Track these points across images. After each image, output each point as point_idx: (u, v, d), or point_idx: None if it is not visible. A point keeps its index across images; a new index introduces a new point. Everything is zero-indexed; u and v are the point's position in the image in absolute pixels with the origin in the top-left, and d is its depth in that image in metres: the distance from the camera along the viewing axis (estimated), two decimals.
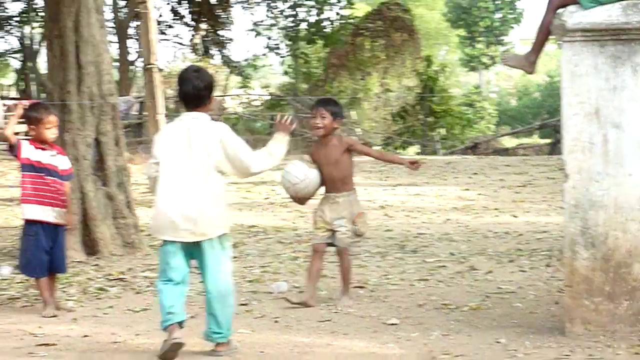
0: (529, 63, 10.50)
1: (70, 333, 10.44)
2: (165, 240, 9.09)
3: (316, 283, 12.07)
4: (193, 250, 9.12)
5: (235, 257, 15.12)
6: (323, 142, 12.05)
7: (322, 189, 11.96)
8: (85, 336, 10.28)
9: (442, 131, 46.89)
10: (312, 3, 47.87)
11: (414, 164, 12.08)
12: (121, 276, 13.82)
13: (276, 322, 10.91)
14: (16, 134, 11.76)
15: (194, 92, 9.18)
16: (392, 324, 10.61)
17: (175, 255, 9.08)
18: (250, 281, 13.42)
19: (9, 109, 36.66)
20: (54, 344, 9.90)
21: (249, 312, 11.44)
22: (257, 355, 9.31)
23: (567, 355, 9.00)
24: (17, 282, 13.31)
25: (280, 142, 9.48)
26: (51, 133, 11.65)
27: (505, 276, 13.33)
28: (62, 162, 11.81)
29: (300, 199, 11.82)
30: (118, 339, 10.04)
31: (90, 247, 15.29)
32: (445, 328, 10.33)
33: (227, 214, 9.46)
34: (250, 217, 20.14)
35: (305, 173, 11.45)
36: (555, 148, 37.60)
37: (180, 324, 9.02)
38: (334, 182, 11.88)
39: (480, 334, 10.05)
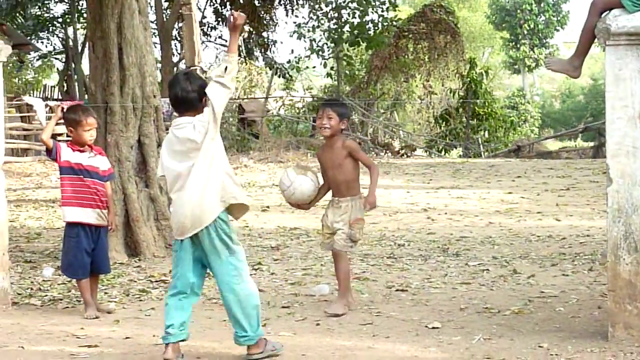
0: (573, 67, 10.45)
1: (112, 335, 10.48)
2: (178, 244, 9.13)
3: (349, 288, 11.91)
4: (201, 254, 9.07)
5: (277, 260, 15.30)
6: (329, 143, 11.86)
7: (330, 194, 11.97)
8: (127, 338, 10.31)
9: (485, 134, 46.75)
10: (355, 5, 47.76)
11: (367, 202, 11.67)
12: (163, 278, 13.84)
13: (318, 324, 10.91)
14: (59, 134, 11.80)
15: (183, 96, 9.08)
16: (434, 328, 10.59)
17: (183, 259, 9.09)
18: (292, 284, 13.41)
19: (51, 109, 36.79)
20: (95, 346, 9.95)
21: (290, 315, 11.44)
22: (298, 358, 9.32)
23: (610, 359, 8.98)
24: (60, 284, 13.36)
25: (228, 62, 9.23)
26: (90, 135, 11.65)
27: (548, 280, 13.29)
28: (102, 163, 11.83)
29: (295, 204, 11.88)
30: (159, 341, 10.07)
31: (133, 248, 15.34)
32: (488, 332, 10.31)
33: (230, 190, 9.15)
34: (292, 220, 20.14)
35: (292, 180, 11.43)
36: (598, 151, 37.47)
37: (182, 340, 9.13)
38: (338, 186, 11.77)
39: (523, 338, 10.03)
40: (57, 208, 15.80)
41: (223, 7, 47.99)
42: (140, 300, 12.49)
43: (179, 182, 9.04)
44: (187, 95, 9.05)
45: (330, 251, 11.96)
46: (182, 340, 9.05)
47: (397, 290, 12.86)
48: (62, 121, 12.24)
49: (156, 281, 13.67)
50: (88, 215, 11.64)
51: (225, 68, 9.06)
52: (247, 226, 19.33)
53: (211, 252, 9.01)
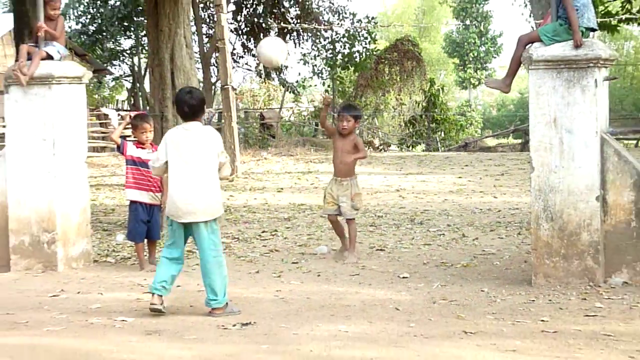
0: (505, 85, 10.57)
1: None
2: (171, 220, 8.81)
3: (344, 237, 12.31)
4: (190, 230, 8.80)
5: (288, 228, 15.26)
6: (345, 136, 12.19)
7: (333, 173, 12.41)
8: (178, 286, 10.28)
9: (442, 134, 46.84)
10: (346, 39, 47.72)
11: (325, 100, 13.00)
12: None
13: (319, 275, 10.90)
14: (128, 136, 11.81)
15: (189, 110, 8.85)
16: (404, 277, 10.60)
17: (176, 232, 8.80)
18: (300, 245, 13.38)
19: (122, 117, 36.82)
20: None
21: (299, 269, 11.42)
22: (305, 300, 9.31)
23: (533, 300, 8.99)
24: (128, 246, 13.32)
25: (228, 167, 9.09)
26: (145, 137, 11.69)
27: (488, 242, 13.29)
28: None
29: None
30: (202, 288, 10.05)
31: None
32: (444, 280, 10.32)
33: (217, 204, 8.87)
34: (300, 198, 20.10)
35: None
36: (525, 147, 37.37)
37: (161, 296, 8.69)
38: (342, 168, 12.15)
39: (469, 284, 10.03)
40: (124, 191, 15.76)
41: (248, 41, 47.84)
42: (187, 259, 12.37)
43: (184, 172, 8.75)
44: (193, 110, 8.84)
45: (327, 217, 12.48)
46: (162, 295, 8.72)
47: (377, 250, 12.84)
48: (129, 126, 12.28)
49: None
50: (143, 196, 11.67)
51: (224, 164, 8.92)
52: (266, 203, 19.30)
53: (202, 233, 8.75)
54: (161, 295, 8.66)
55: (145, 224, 11.70)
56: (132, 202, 11.78)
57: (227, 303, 8.76)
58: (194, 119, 8.87)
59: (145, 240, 11.90)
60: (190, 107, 8.83)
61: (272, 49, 11.36)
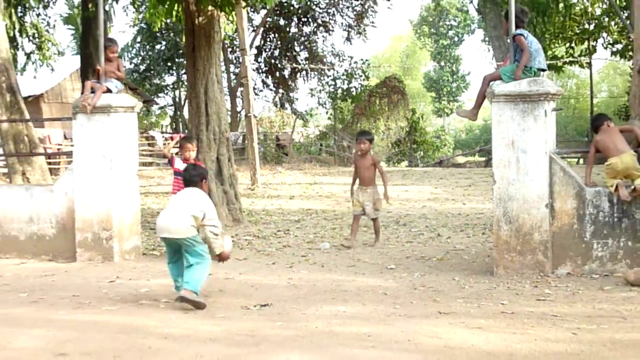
0: (473, 114, 10.62)
1: None
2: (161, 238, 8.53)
3: (355, 235, 12.98)
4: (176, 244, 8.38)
5: (298, 228, 15.21)
6: (362, 155, 13.08)
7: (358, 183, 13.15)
8: (210, 274, 10.24)
9: (421, 153, 46.87)
10: (345, 77, 47.82)
11: (386, 197, 13.06)
12: (232, 240, 13.80)
13: (323, 266, 10.87)
14: (176, 153, 11.82)
15: (190, 179, 8.73)
16: (391, 268, 10.57)
17: (166, 245, 8.54)
18: (307, 242, 13.36)
19: (171, 138, 36.86)
20: None
21: (307, 261, 11.39)
22: (311, 286, 9.28)
23: (494, 287, 8.97)
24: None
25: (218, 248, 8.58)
26: (188, 154, 11.64)
27: (458, 240, 13.25)
28: None
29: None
30: (229, 276, 10.04)
31: None
32: (423, 271, 10.29)
33: (189, 228, 8.24)
34: (307, 204, 20.08)
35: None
36: (488, 163, 37.36)
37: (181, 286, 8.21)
38: (365, 180, 13.00)
39: (443, 274, 10.01)
40: (169, 197, 15.68)
41: (266, 78, 47.90)
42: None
43: (170, 207, 8.57)
44: (192, 179, 8.74)
45: (354, 216, 13.15)
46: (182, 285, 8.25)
47: (369, 246, 12.83)
48: (177, 145, 12.29)
49: None
50: None
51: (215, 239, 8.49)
52: (281, 207, 19.27)
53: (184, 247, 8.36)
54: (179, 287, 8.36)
55: None
56: None
57: (196, 293, 8.11)
58: (194, 186, 8.74)
59: None
60: (191, 177, 8.78)
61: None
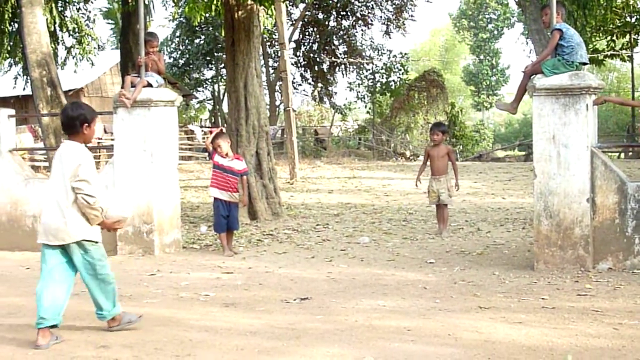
0: (513, 108, 10.57)
1: (241, 266, 10.52)
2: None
3: (441, 224, 13.54)
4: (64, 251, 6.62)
5: (337, 222, 15.22)
6: (436, 146, 13.57)
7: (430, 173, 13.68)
8: (250, 268, 10.35)
9: (461, 147, 46.68)
10: (383, 71, 47.81)
11: (457, 186, 13.56)
12: (271, 233, 13.87)
13: (362, 260, 10.89)
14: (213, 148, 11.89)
15: (66, 121, 6.60)
16: (431, 262, 10.57)
17: (48, 253, 6.58)
18: (347, 236, 13.37)
19: (205, 133, 37.05)
20: (231, 272, 9.99)
21: (346, 255, 11.41)
22: (351, 280, 9.30)
23: (535, 282, 8.92)
24: (210, 236, 13.41)
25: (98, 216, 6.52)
26: (219, 149, 11.77)
27: (498, 234, 13.20)
28: (237, 165, 11.86)
29: None
30: (269, 270, 10.09)
31: (253, 215, 15.35)
32: (463, 265, 10.28)
33: (77, 227, 6.50)
34: (346, 198, 20.09)
35: None
36: (528, 158, 37.13)
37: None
38: (439, 169, 13.46)
39: (483, 269, 9.99)
40: (207, 190, 15.77)
41: (305, 72, 47.99)
42: (257, 246, 12.51)
43: (49, 192, 6.71)
44: (70, 122, 6.60)
45: (435, 205, 13.68)
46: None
47: (408, 240, 12.82)
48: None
49: (266, 234, 13.69)
50: (223, 195, 11.76)
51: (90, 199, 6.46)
52: (320, 201, 19.30)
53: (74, 256, 6.56)
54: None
55: (225, 218, 11.75)
56: (215, 199, 11.87)
57: (120, 314, 6.90)
58: (71, 136, 6.68)
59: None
60: (66, 118, 6.68)
61: None
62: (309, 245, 12.40)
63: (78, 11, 32.61)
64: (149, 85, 11.56)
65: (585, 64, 9.85)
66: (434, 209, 17.03)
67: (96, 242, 6.68)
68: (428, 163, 13.80)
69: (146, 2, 35.70)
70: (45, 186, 6.29)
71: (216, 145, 11.77)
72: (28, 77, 24.67)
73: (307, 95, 52.18)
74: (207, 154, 12.25)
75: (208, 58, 50.30)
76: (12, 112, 12.74)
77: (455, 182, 13.48)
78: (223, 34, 17.01)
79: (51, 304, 6.49)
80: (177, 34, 50.45)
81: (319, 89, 48.90)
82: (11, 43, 30.75)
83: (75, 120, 6.60)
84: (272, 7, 19.50)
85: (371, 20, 46.59)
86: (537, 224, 9.67)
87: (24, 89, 32.96)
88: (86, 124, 6.63)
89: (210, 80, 54.92)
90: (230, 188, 11.78)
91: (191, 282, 9.35)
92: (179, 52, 50.96)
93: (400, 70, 48.83)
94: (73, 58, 32.79)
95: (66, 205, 6.49)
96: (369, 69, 48.37)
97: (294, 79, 46.28)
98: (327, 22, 46.66)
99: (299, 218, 15.99)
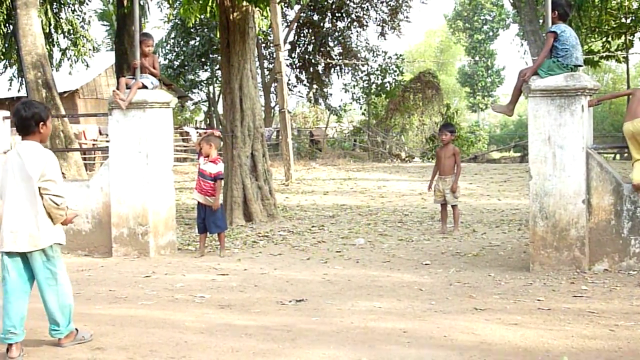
0: (508, 109, 10.53)
1: (236, 268, 10.50)
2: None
3: (445, 222, 13.84)
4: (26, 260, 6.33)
5: (333, 223, 15.19)
6: (445, 146, 13.96)
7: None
8: (245, 269, 10.34)
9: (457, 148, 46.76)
10: (378, 72, 47.84)
11: (454, 187, 13.67)
12: (266, 234, 13.85)
13: (357, 262, 10.88)
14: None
15: (20, 122, 6.28)
16: (426, 264, 10.56)
17: (11, 262, 6.29)
18: (342, 237, 13.36)
19: (200, 134, 37.01)
20: (226, 274, 9.98)
21: (341, 256, 11.40)
22: (346, 282, 9.29)
23: (530, 284, 8.92)
24: (207, 238, 13.39)
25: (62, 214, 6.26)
26: (203, 152, 11.88)
27: (494, 236, 13.20)
28: (210, 168, 11.82)
29: None
30: (264, 271, 10.08)
31: (248, 217, 15.35)
32: (458, 267, 10.28)
33: (48, 231, 6.27)
34: (342, 199, 20.08)
35: None
36: (523, 159, 37.15)
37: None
38: (445, 169, 13.83)
39: (479, 270, 9.99)
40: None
41: (300, 73, 47.97)
42: (253, 247, 12.49)
43: (9, 197, 6.33)
44: (24, 122, 6.29)
45: (440, 205, 13.80)
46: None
47: (404, 241, 12.81)
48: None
49: (262, 236, 13.66)
50: (199, 197, 11.89)
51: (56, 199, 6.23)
52: (315, 203, 19.29)
53: (35, 264, 6.32)
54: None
55: (202, 220, 11.89)
56: (197, 202, 12.04)
57: (74, 330, 6.62)
58: (27, 136, 6.39)
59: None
60: (20, 119, 6.35)
61: None
62: (305, 247, 12.39)
63: (73, 13, 32.57)
64: (144, 87, 11.56)
65: (580, 66, 9.85)
66: (429, 210, 17.09)
67: (60, 245, 6.41)
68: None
69: (141, 4, 35.66)
70: (7, 191, 6.04)
71: (197, 147, 11.87)
72: (23, 79, 24.62)
73: (302, 96, 52.16)
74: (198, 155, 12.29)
75: (203, 60, 50.23)
76: (7, 114, 12.72)
77: (454, 183, 13.60)
78: (218, 36, 16.99)
79: (20, 316, 6.27)
80: (172, 35, 50.36)
81: (314, 90, 48.88)
82: (6, 45, 30.68)
83: (30, 120, 6.32)
84: (267, 8, 19.51)
85: (366, 22, 46.55)
86: (533, 225, 9.67)
87: (19, 90, 32.92)
88: (42, 122, 6.37)
89: (205, 82, 54.85)
90: (202, 191, 11.83)
91: (186, 283, 9.34)
92: (174, 54, 50.87)
93: (395, 71, 48.84)
94: (68, 60, 32.74)
95: (37, 209, 6.23)
96: (364, 71, 48.36)
97: (289, 80, 46.25)
98: (322, 24, 46.63)
99: (295, 219, 15.98)
